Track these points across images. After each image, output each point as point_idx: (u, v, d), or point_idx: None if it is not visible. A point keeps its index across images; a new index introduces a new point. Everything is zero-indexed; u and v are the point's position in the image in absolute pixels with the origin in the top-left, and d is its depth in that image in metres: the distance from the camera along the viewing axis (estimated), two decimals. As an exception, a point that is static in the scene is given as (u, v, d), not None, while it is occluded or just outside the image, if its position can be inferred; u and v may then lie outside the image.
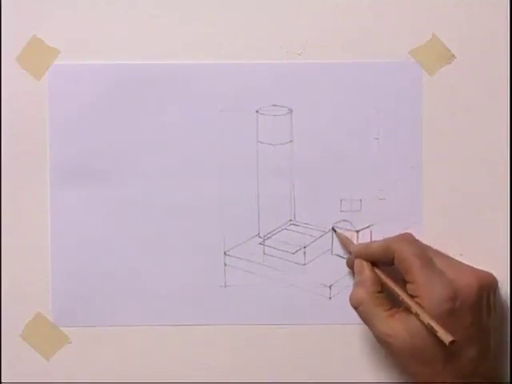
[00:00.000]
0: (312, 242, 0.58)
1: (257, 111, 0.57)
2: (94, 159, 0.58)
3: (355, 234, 0.57)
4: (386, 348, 0.52)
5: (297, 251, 0.58)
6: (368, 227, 0.57)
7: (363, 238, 0.57)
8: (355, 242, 0.57)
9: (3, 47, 0.57)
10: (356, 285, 0.54)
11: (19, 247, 0.58)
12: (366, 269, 0.54)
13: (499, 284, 0.54)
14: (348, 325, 0.57)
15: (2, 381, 0.57)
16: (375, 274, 0.53)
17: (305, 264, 0.58)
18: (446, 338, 0.47)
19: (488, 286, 0.51)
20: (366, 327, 0.54)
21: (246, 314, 0.58)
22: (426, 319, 0.48)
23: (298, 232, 0.58)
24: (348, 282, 0.57)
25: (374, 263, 0.54)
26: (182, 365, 0.58)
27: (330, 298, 0.57)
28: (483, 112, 0.57)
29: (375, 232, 0.57)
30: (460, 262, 0.53)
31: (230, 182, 0.58)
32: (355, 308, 0.53)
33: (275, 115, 0.57)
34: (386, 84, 0.57)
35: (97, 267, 0.58)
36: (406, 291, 0.51)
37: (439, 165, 0.57)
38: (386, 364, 0.57)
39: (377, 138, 0.57)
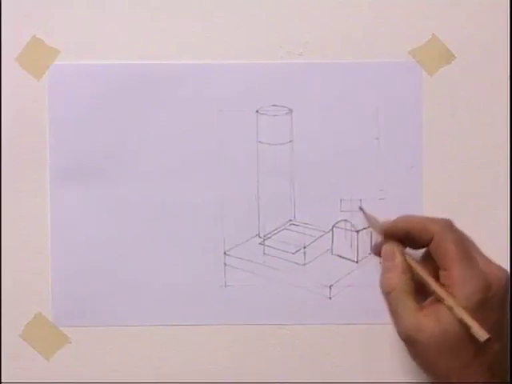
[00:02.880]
0: (312, 242, 0.58)
1: (257, 111, 0.57)
2: (94, 159, 0.58)
3: (355, 234, 0.57)
4: (411, 345, 0.50)
5: (297, 251, 0.58)
6: (368, 227, 0.57)
7: (363, 238, 0.57)
8: (355, 242, 0.57)
9: (3, 47, 0.57)
10: (386, 270, 0.52)
11: (19, 247, 0.58)
12: (397, 254, 0.52)
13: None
14: (348, 325, 0.57)
15: (2, 381, 0.58)
16: (406, 260, 0.52)
17: (305, 264, 0.58)
18: (482, 335, 0.47)
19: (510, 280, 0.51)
20: (367, 327, 0.54)
21: (246, 313, 0.58)
22: (461, 314, 0.48)
23: (297, 232, 0.58)
24: (348, 282, 0.57)
25: (402, 241, 0.52)
26: (181, 365, 0.58)
27: (330, 298, 0.57)
28: (483, 112, 0.57)
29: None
30: (485, 255, 0.52)
31: (230, 182, 0.58)
32: (386, 294, 0.51)
33: (275, 115, 0.57)
34: (386, 84, 0.57)
35: (97, 267, 0.58)
36: (437, 281, 0.50)
37: (439, 165, 0.57)
38: (385, 364, 0.57)
39: (377, 138, 0.57)
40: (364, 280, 0.57)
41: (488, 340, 0.47)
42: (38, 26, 0.57)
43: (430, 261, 0.52)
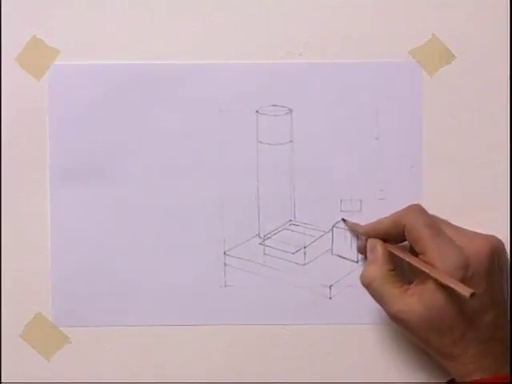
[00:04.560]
0: (312, 242, 0.58)
1: (257, 111, 0.57)
2: (93, 159, 0.58)
3: (355, 233, 0.57)
4: (402, 325, 0.51)
5: (297, 251, 0.58)
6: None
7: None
8: (355, 242, 0.57)
9: (3, 47, 0.57)
10: (368, 263, 0.53)
11: (19, 247, 0.58)
12: (378, 246, 0.53)
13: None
14: (348, 325, 0.57)
15: (2, 381, 0.57)
16: (387, 251, 0.53)
17: (305, 264, 0.58)
18: (466, 291, 0.47)
19: (497, 249, 0.51)
20: (367, 327, 0.54)
21: (246, 314, 0.58)
22: (445, 279, 0.48)
23: (297, 232, 0.58)
24: (348, 282, 0.57)
25: (386, 241, 0.54)
26: (181, 365, 0.58)
27: (330, 298, 0.57)
28: (483, 112, 0.57)
29: (375, 232, 0.57)
30: (467, 230, 0.53)
31: (230, 181, 0.58)
32: (367, 286, 0.52)
33: (275, 115, 0.57)
34: (386, 84, 0.57)
35: (97, 267, 0.58)
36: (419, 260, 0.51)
37: (439, 165, 0.57)
38: (385, 364, 0.57)
39: (377, 138, 0.57)
40: (364, 280, 0.57)
41: (472, 295, 0.47)
42: (38, 25, 0.57)
43: (412, 252, 0.53)
